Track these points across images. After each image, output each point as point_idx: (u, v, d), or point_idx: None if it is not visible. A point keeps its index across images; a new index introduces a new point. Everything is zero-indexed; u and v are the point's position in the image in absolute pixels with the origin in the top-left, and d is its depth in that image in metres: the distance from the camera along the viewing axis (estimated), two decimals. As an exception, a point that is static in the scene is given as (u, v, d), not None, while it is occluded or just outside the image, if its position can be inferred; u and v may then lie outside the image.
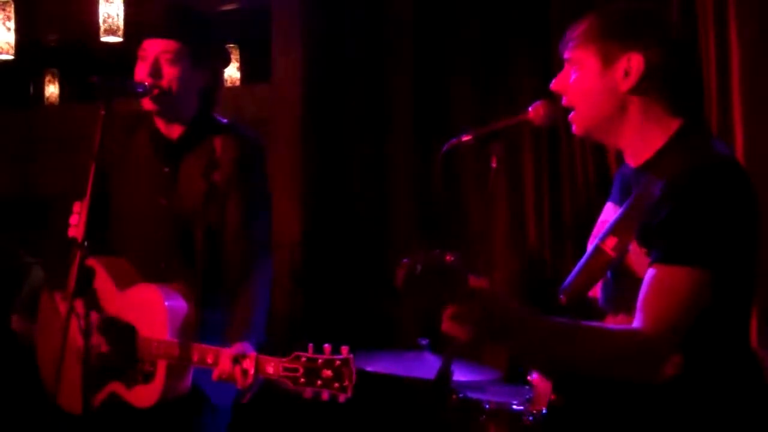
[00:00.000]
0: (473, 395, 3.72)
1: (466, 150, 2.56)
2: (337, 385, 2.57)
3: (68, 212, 2.97)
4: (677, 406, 2.09)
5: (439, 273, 1.99)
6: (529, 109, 2.50)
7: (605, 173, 4.80)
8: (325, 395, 2.58)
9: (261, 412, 4.67)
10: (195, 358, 2.81)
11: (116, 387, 2.95)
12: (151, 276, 3.00)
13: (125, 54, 5.68)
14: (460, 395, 3.67)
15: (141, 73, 2.94)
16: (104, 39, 5.33)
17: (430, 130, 5.23)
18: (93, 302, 2.78)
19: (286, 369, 2.62)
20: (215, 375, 2.76)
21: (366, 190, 5.42)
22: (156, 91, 2.92)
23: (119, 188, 3.10)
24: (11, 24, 5.54)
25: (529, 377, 3.67)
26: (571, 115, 2.35)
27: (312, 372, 2.59)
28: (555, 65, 5.01)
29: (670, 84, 2.24)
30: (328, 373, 2.58)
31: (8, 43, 5.53)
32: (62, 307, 3.02)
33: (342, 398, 2.58)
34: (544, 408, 2.33)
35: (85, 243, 2.65)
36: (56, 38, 7.30)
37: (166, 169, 3.06)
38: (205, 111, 3.09)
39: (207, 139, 3.05)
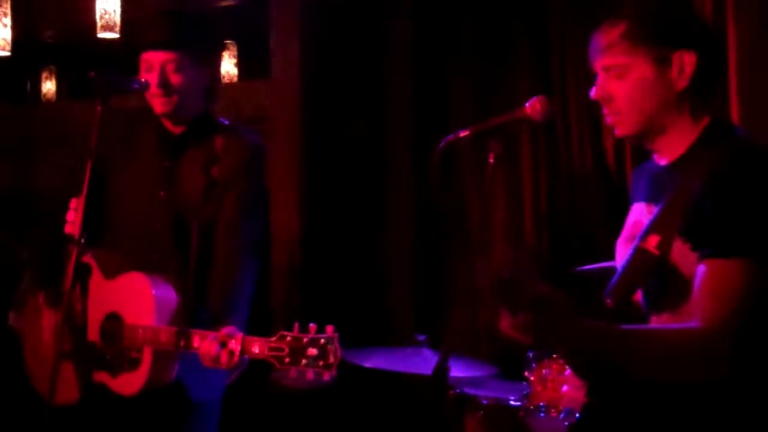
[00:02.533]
0: (470, 391, 3.73)
1: (463, 146, 2.56)
2: (321, 363, 2.54)
3: (65, 209, 2.98)
4: (720, 404, 2.09)
5: (520, 279, 2.03)
6: (526, 105, 2.50)
7: (603, 170, 4.80)
8: (310, 374, 2.55)
9: (257, 408, 4.67)
10: (181, 342, 2.81)
11: (102, 377, 2.96)
12: (142, 267, 3.02)
13: (122, 50, 5.70)
14: (458, 391, 3.68)
15: (152, 84, 3.01)
16: (101, 35, 5.32)
17: (429, 128, 5.23)
18: (83, 295, 2.93)
19: (271, 348, 2.61)
20: (201, 356, 2.76)
21: (364, 187, 5.42)
22: (162, 93, 3.01)
23: (119, 181, 3.13)
24: (8, 20, 5.53)
25: (525, 373, 3.69)
26: (617, 119, 2.34)
27: (297, 351, 2.57)
28: (553, 63, 5.05)
29: (707, 80, 2.27)
30: (312, 351, 2.55)
31: (5, 40, 5.52)
32: (44, 307, 3.15)
33: (327, 376, 2.55)
34: (574, 410, 2.33)
35: (82, 240, 2.66)
36: (53, 34, 7.28)
37: (167, 163, 3.11)
38: (209, 108, 3.17)
39: (209, 137, 3.12)
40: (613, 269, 3.94)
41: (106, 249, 3.10)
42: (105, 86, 2.76)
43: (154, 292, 2.90)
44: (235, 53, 7.31)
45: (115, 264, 3.03)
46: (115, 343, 2.93)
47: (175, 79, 3.00)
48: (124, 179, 3.13)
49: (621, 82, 2.31)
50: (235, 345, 2.69)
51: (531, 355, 3.69)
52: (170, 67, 3.00)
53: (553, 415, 3.50)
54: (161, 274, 2.99)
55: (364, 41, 5.54)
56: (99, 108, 2.72)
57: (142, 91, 3.02)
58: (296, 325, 2.61)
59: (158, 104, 3.05)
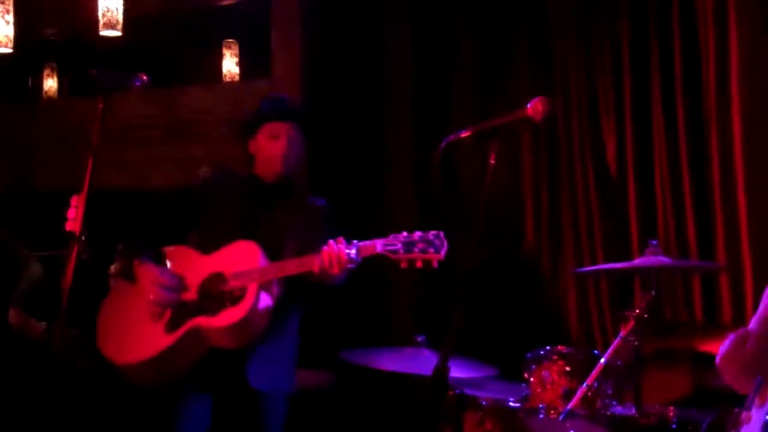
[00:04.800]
0: (470, 392, 3.72)
1: (464, 146, 2.56)
2: (432, 250, 3.02)
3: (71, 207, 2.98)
4: None
5: None
6: (528, 105, 2.50)
7: (603, 170, 4.80)
8: (419, 263, 3.02)
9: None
10: (291, 267, 3.15)
11: (200, 321, 3.17)
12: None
13: (124, 48, 5.70)
14: (457, 391, 3.67)
15: (281, 148, 3.44)
16: (103, 33, 5.32)
17: (430, 128, 5.23)
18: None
19: (386, 245, 3.05)
20: (326, 256, 3.06)
21: (365, 186, 5.42)
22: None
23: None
24: (10, 17, 5.53)
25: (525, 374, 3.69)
26: None
27: (408, 245, 3.03)
28: (554, 64, 5.05)
29: None
30: (422, 245, 3.02)
31: (7, 37, 5.52)
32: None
33: (435, 261, 3.02)
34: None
35: (82, 237, 2.66)
36: (55, 32, 7.27)
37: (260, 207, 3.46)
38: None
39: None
40: (614, 270, 3.93)
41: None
42: (106, 84, 2.76)
43: (260, 248, 3.21)
44: (237, 52, 7.31)
45: (212, 245, 3.30)
46: (216, 291, 3.19)
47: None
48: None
49: None
50: (354, 245, 3.08)
51: (530, 356, 3.69)
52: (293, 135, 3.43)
53: (552, 416, 3.50)
54: None
55: (365, 41, 5.54)
56: (100, 105, 2.72)
57: (143, 89, 3.02)
58: (399, 236, 3.06)
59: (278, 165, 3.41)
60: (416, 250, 3.03)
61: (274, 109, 3.49)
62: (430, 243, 3.01)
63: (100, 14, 5.29)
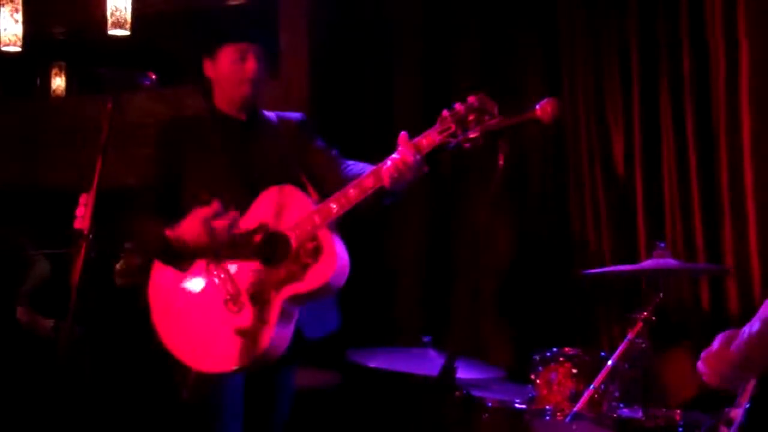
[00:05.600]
0: (476, 393, 3.72)
1: (473, 148, 2.56)
2: (486, 117, 2.76)
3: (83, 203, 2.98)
4: None
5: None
6: (537, 107, 2.49)
7: (611, 171, 4.79)
8: (480, 139, 2.74)
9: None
10: (352, 192, 2.95)
11: (291, 289, 2.96)
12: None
13: (132, 47, 5.70)
14: (464, 392, 3.67)
15: (250, 70, 3.21)
16: (112, 32, 5.33)
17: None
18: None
19: (441, 132, 2.86)
20: (388, 168, 2.91)
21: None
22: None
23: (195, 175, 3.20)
24: (19, 16, 5.54)
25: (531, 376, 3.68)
26: None
27: (461, 120, 2.81)
28: (563, 65, 5.04)
29: None
30: (473, 115, 2.79)
31: (16, 35, 5.53)
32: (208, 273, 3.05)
33: (494, 123, 2.73)
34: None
35: (90, 236, 2.66)
36: (64, 31, 7.28)
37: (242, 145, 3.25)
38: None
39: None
40: (621, 272, 3.93)
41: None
42: (115, 83, 2.77)
43: (295, 188, 3.04)
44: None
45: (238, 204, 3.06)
46: (285, 252, 2.97)
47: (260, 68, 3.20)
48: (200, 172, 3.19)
49: None
50: (408, 147, 2.91)
51: (537, 357, 3.69)
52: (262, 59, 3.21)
53: (559, 418, 3.49)
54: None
55: (372, 41, 5.54)
56: (109, 104, 2.73)
57: (152, 88, 3.02)
58: (444, 111, 2.86)
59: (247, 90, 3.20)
60: (471, 123, 2.80)
61: (239, 28, 3.27)
62: (481, 110, 2.79)
63: (108, 13, 5.29)
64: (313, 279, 2.94)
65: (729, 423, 2.27)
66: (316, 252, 2.94)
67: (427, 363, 3.75)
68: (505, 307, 5.08)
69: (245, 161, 3.19)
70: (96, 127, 2.72)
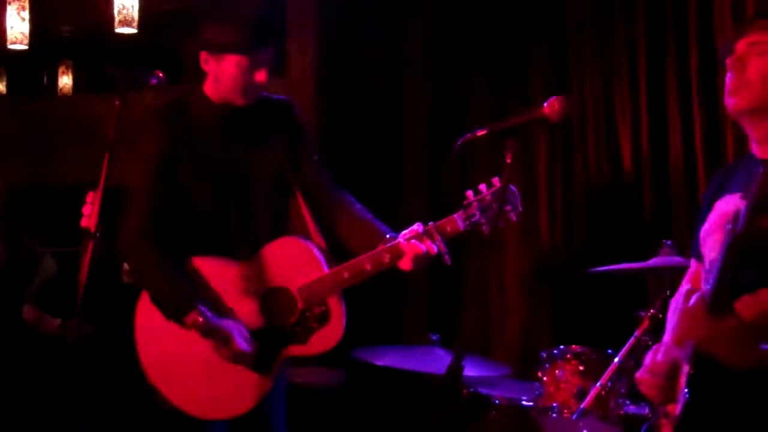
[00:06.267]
0: (483, 390, 3.73)
1: (480, 145, 2.56)
2: (509, 207, 2.75)
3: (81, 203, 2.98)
4: None
5: None
6: (544, 104, 2.49)
7: (618, 169, 4.79)
8: (501, 224, 2.78)
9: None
10: (368, 267, 2.86)
11: (292, 352, 2.92)
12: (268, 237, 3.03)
13: (139, 45, 5.71)
14: (471, 390, 3.67)
15: (264, 79, 3.06)
16: (119, 30, 5.34)
17: (446, 127, 5.23)
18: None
19: (465, 219, 2.80)
20: (410, 255, 2.81)
21: (380, 185, 5.42)
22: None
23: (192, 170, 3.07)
24: (26, 14, 5.55)
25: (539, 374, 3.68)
26: (740, 89, 2.40)
27: (486, 209, 2.78)
28: (571, 64, 5.03)
29: None
30: (496, 204, 2.74)
31: (23, 33, 5.54)
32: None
33: (514, 217, 2.77)
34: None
35: (98, 234, 2.66)
36: (71, 29, 7.31)
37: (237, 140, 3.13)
38: None
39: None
40: (629, 270, 3.93)
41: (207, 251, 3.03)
42: (123, 81, 2.77)
43: (308, 243, 2.97)
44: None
45: (240, 253, 2.99)
46: (291, 312, 2.91)
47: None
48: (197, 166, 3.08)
49: (761, 57, 2.39)
50: (433, 234, 2.83)
51: (544, 355, 3.69)
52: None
53: (566, 415, 3.49)
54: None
55: (380, 40, 5.54)
56: (117, 103, 2.73)
57: (160, 86, 3.01)
58: (469, 193, 2.80)
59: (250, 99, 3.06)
60: (493, 213, 2.77)
61: (253, 37, 2.98)
62: (504, 200, 2.70)
63: (115, 11, 5.30)
64: (318, 344, 2.91)
65: (667, 415, 2.31)
66: (324, 318, 2.90)
67: (435, 361, 3.74)
68: (512, 305, 5.08)
69: (242, 163, 3.07)
70: (103, 125, 2.73)
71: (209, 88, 3.10)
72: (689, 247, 2.69)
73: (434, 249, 2.82)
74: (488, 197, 2.79)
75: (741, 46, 2.44)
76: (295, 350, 2.92)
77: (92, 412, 4.50)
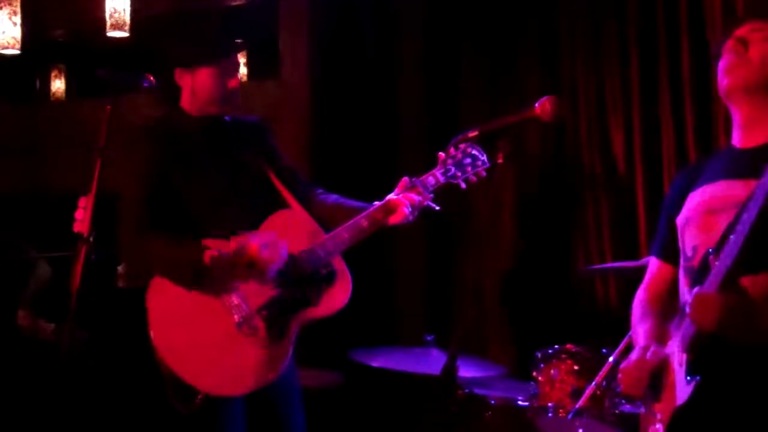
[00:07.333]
0: (479, 391, 3.73)
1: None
2: (479, 163, 3.06)
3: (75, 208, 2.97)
4: None
5: None
6: (536, 105, 2.49)
7: (611, 167, 4.79)
8: (474, 178, 3.08)
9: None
10: (365, 224, 3.06)
11: (307, 314, 3.00)
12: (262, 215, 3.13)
13: (131, 49, 5.70)
14: (466, 390, 3.68)
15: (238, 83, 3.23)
16: (111, 34, 5.32)
17: (439, 128, 5.23)
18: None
19: (443, 173, 3.09)
20: (402, 205, 3.06)
21: (374, 186, 5.41)
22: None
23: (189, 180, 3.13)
24: (17, 18, 5.53)
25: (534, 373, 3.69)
26: (740, 66, 2.41)
27: (459, 165, 3.08)
28: (563, 63, 5.04)
29: None
30: (468, 159, 3.07)
31: (14, 38, 5.52)
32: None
33: (483, 172, 3.07)
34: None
35: (90, 238, 2.66)
36: (63, 33, 7.28)
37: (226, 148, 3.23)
38: None
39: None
40: (622, 269, 3.93)
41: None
42: (114, 85, 2.77)
43: (304, 213, 3.12)
44: (245, 53, 7.31)
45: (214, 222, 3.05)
46: (299, 275, 2.99)
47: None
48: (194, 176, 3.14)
49: (764, 43, 2.41)
50: (418, 186, 3.09)
51: (539, 355, 3.69)
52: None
53: (561, 415, 3.50)
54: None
55: (373, 41, 5.54)
56: (109, 107, 2.73)
57: (151, 90, 3.01)
58: (441, 155, 3.09)
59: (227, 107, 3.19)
60: (468, 168, 3.07)
61: (226, 43, 3.16)
62: (473, 156, 3.06)
63: (107, 15, 5.28)
64: (329, 304, 3.01)
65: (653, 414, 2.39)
66: (330, 277, 3.02)
67: (430, 362, 3.75)
68: (506, 305, 5.08)
69: (233, 168, 3.16)
70: (95, 129, 2.73)
71: (187, 104, 3.19)
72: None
73: (423, 198, 3.08)
74: (459, 154, 3.06)
75: (743, 30, 2.45)
76: (309, 313, 2.99)
77: (86, 416, 4.50)
